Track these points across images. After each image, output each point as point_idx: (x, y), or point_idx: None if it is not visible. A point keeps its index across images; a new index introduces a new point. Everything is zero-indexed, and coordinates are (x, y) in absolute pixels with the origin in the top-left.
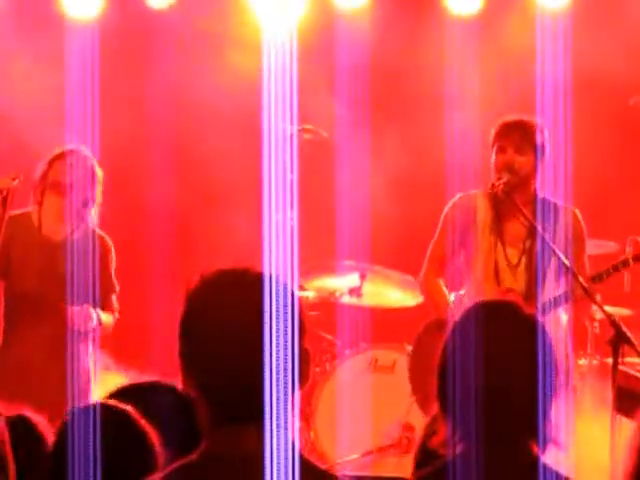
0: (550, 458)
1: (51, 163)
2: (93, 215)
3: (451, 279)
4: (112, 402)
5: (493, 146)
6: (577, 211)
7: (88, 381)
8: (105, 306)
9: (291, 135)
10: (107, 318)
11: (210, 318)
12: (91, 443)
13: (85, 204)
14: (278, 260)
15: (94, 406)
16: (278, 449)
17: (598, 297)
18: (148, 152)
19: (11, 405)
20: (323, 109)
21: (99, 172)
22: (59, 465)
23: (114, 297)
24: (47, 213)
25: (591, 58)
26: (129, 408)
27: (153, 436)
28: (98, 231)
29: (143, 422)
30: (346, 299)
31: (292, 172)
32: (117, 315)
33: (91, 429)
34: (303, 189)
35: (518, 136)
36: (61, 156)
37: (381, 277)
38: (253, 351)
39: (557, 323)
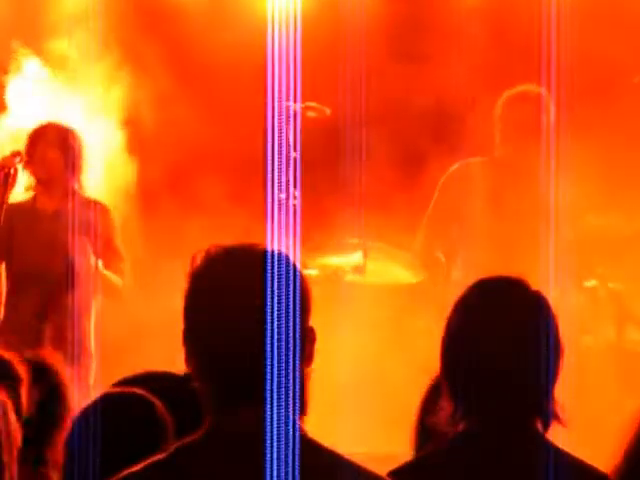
0: (553, 435)
1: (30, 141)
2: (83, 182)
3: (447, 249)
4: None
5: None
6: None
7: (90, 356)
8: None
9: (294, 113)
10: (115, 279)
11: (214, 295)
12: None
13: (71, 173)
14: (281, 238)
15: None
16: (280, 429)
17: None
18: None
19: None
20: (327, 86)
21: (78, 139)
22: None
23: (121, 265)
24: (38, 188)
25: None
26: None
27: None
28: (92, 198)
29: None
30: (349, 277)
31: (295, 150)
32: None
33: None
34: (308, 166)
35: (524, 110)
36: (37, 132)
37: (384, 255)
38: (257, 329)
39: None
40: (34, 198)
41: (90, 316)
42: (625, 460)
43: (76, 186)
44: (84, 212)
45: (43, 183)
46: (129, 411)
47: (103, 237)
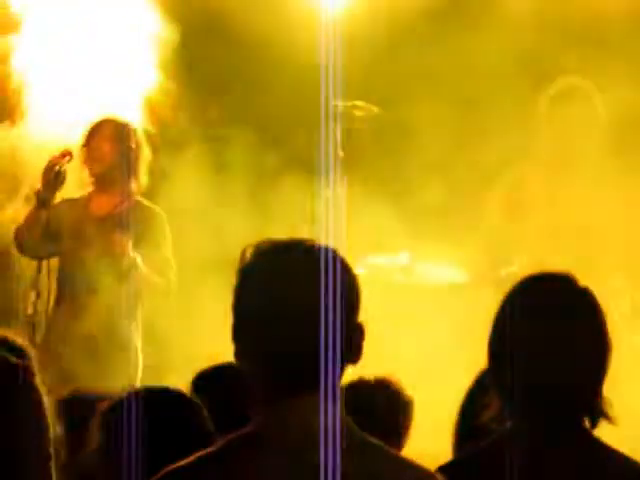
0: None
1: (86, 135)
2: (140, 182)
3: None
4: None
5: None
6: None
7: (137, 360)
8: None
9: (342, 112)
10: (156, 278)
11: (266, 287)
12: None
13: (127, 171)
14: (329, 236)
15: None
16: (331, 421)
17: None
18: None
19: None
20: (375, 85)
21: (135, 135)
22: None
23: (169, 273)
24: (95, 185)
25: None
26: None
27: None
28: (145, 202)
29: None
30: (397, 277)
31: (341, 149)
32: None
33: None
34: (356, 166)
35: (573, 105)
36: (93, 127)
37: (432, 255)
38: (309, 321)
39: None
40: (90, 196)
41: (135, 314)
42: None
43: (133, 186)
44: (136, 216)
45: (99, 178)
46: (168, 408)
47: (153, 243)
